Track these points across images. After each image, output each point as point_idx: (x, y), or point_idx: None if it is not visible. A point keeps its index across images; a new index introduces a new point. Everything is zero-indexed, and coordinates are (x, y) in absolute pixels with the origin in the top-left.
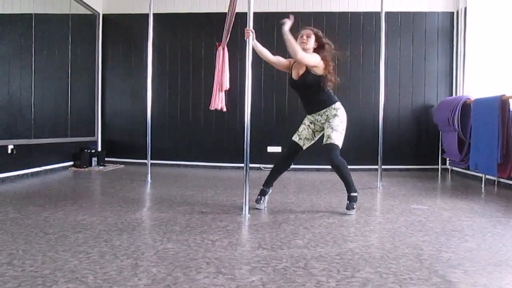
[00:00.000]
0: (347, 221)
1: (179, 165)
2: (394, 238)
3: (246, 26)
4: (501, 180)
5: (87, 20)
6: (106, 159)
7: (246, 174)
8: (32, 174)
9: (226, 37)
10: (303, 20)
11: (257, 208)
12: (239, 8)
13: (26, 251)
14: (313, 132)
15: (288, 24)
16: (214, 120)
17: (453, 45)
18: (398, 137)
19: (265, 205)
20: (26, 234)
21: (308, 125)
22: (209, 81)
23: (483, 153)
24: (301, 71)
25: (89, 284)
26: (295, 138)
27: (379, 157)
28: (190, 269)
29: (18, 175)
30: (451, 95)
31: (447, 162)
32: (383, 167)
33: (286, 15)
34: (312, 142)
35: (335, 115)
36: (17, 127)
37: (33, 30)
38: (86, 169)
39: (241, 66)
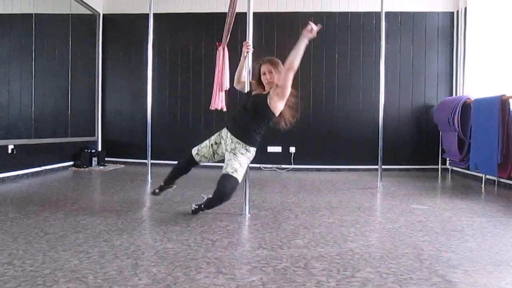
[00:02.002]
0: (347, 221)
1: None
2: (394, 238)
3: (246, 26)
4: (501, 180)
5: (87, 20)
6: (106, 159)
7: (245, 174)
8: (32, 174)
9: (226, 37)
10: (303, 20)
11: (154, 195)
12: (239, 8)
13: (26, 251)
14: (214, 153)
15: (313, 31)
16: (214, 120)
17: (453, 45)
18: (398, 137)
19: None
20: (26, 234)
21: (212, 145)
22: (209, 81)
23: (483, 153)
24: (259, 92)
25: (90, 283)
26: (194, 151)
27: (379, 157)
28: (190, 269)
29: (18, 175)
30: (451, 95)
31: (447, 162)
32: (383, 167)
33: (286, 15)
34: (209, 161)
35: (245, 154)
36: (17, 127)
37: (33, 30)
38: (86, 169)
39: None
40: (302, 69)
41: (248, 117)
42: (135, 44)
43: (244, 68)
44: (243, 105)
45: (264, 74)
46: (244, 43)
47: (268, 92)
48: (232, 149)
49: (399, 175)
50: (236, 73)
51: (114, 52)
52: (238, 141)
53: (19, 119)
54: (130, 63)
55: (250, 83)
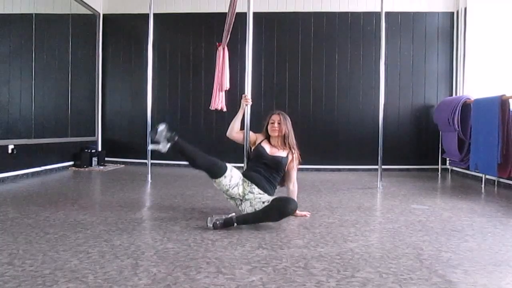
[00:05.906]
0: (347, 221)
1: (179, 165)
2: (394, 238)
3: (246, 26)
4: (501, 180)
5: (87, 20)
6: (106, 159)
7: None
8: (32, 174)
9: (226, 37)
10: (303, 20)
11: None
12: (239, 8)
13: (26, 251)
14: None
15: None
16: (214, 120)
17: (453, 45)
18: (398, 137)
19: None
20: (26, 234)
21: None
22: (209, 81)
23: (483, 153)
24: (281, 154)
25: (89, 283)
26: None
27: (379, 157)
28: (190, 268)
29: (18, 175)
30: (451, 95)
31: (447, 162)
32: (383, 167)
33: (286, 15)
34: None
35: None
36: (17, 127)
37: (33, 30)
38: (86, 169)
39: (241, 66)
40: (302, 69)
41: (270, 172)
42: (135, 44)
43: (240, 119)
44: (262, 161)
45: (273, 123)
46: (243, 96)
47: (287, 156)
48: (250, 199)
49: (399, 175)
50: (232, 123)
51: (114, 52)
52: (260, 191)
53: (19, 119)
54: (130, 63)
55: (254, 134)
